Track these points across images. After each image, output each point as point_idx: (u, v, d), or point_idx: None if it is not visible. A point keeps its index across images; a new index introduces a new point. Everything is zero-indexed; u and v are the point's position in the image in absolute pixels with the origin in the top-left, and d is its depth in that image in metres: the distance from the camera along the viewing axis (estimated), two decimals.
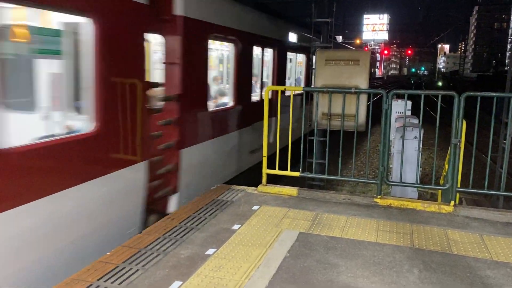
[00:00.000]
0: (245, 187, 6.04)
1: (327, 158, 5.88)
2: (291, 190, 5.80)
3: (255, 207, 5.21)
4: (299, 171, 6.14)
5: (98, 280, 3.40)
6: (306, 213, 5.06)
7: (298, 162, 6.07)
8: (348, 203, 5.50)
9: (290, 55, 11.08)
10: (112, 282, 3.37)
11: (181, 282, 3.38)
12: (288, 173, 6.01)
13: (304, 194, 5.77)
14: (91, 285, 3.33)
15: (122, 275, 3.48)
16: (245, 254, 3.91)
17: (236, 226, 4.58)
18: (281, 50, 9.95)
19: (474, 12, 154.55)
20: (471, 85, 58.76)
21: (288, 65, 10.90)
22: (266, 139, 5.99)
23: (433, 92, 6.60)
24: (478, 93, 5.23)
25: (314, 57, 7.62)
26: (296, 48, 11.23)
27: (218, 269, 3.62)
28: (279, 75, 9.93)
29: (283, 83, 10.37)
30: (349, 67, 6.80)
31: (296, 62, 12.09)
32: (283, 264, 3.76)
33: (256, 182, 6.07)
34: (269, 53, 9.44)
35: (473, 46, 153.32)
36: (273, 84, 9.58)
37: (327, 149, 5.91)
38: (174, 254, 3.89)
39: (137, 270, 3.58)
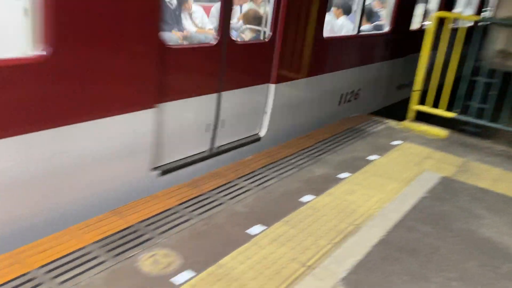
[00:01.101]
0: (388, 120, 5.73)
1: (493, 103, 5.13)
2: (440, 131, 5.32)
3: (396, 142, 4.95)
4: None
5: (238, 178, 3.68)
6: (453, 158, 4.63)
7: (451, 104, 5.44)
8: (506, 155, 4.85)
9: None
10: (250, 183, 3.62)
11: (314, 197, 3.47)
12: (442, 112, 5.44)
13: (454, 137, 5.26)
14: (231, 181, 3.63)
15: (259, 179, 3.71)
16: (379, 185, 3.80)
17: (372, 157, 4.44)
18: None
19: None
20: None
21: None
22: (422, 71, 5.46)
23: None
24: None
25: None
26: None
27: (350, 193, 3.60)
28: None
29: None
30: None
31: None
32: (420, 203, 3.56)
33: (399, 118, 5.72)
34: None
35: None
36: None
37: (495, 93, 5.13)
38: (308, 171, 3.97)
39: (273, 177, 3.76)
